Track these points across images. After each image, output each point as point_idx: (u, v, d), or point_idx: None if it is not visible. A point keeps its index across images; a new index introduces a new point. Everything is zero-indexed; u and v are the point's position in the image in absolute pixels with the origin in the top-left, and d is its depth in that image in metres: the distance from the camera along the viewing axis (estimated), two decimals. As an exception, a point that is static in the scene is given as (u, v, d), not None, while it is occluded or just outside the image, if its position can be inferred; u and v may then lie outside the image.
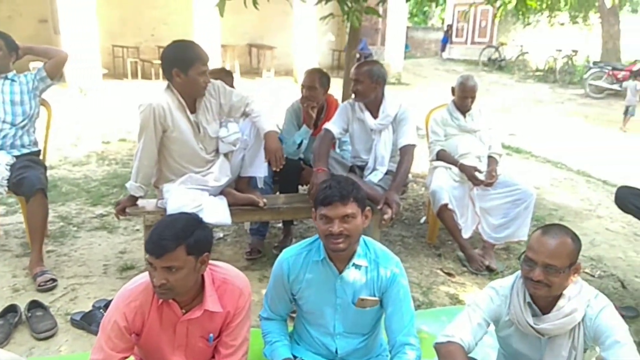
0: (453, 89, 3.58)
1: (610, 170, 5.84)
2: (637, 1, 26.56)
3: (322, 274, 1.89)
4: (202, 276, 1.68)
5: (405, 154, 2.92)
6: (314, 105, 3.29)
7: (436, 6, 28.01)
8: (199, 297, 1.69)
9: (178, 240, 1.53)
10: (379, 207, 2.76)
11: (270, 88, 10.64)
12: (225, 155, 2.85)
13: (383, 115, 3.00)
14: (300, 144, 3.36)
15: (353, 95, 3.01)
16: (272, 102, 7.39)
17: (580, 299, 1.68)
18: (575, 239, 1.69)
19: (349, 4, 3.61)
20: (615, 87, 12.26)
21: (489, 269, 3.26)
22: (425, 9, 28.88)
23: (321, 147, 2.96)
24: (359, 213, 1.80)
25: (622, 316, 2.78)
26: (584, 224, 4.16)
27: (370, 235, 2.91)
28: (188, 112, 2.62)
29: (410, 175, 3.42)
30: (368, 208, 1.87)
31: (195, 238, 1.57)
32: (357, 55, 14.10)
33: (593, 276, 3.29)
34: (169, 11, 11.71)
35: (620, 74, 12.33)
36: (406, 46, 18.04)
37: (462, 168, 3.40)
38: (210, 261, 1.71)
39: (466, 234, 3.36)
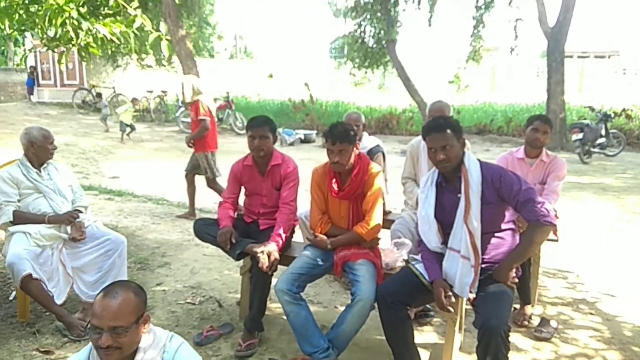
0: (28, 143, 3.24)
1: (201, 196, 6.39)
2: (212, 47, 31.27)
3: None
4: None
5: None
6: None
7: (14, 46, 25.32)
8: None
9: None
10: None
11: None
12: None
13: None
14: None
15: None
16: None
17: (155, 348, 1.71)
18: (139, 290, 1.70)
19: None
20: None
21: (92, 331, 3.03)
22: (3, 48, 25.80)
23: None
24: None
25: (221, 335, 3.11)
26: (184, 255, 4.43)
27: None
28: None
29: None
30: None
31: None
32: None
33: (194, 304, 3.52)
34: None
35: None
36: (-20, 90, 15.48)
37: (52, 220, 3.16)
38: None
39: (59, 300, 3.07)
